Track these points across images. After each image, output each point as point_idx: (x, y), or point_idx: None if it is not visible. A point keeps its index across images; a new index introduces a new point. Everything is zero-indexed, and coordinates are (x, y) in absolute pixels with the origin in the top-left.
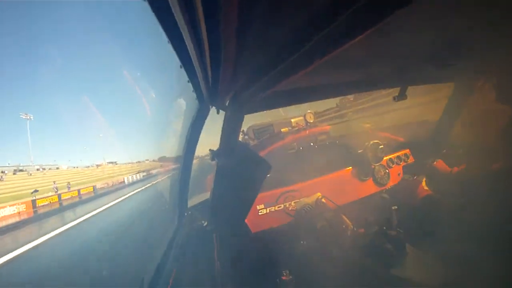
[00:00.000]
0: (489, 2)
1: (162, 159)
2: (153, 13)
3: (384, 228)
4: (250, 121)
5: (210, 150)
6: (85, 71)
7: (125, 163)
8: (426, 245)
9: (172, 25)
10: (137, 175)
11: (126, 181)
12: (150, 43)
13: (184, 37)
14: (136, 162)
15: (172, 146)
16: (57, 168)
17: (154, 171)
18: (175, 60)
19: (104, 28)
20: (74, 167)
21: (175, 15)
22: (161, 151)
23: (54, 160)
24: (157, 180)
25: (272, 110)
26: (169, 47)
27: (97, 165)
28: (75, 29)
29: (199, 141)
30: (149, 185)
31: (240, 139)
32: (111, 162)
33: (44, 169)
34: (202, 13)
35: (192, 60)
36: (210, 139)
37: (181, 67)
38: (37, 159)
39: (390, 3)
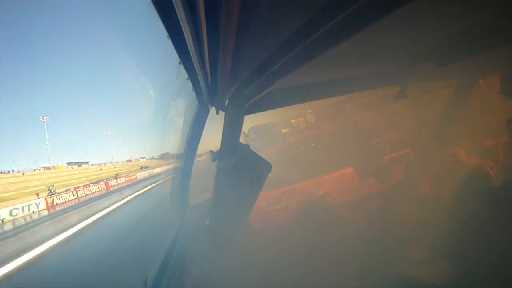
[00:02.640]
0: (489, 1)
1: (162, 157)
2: (154, 7)
3: (387, 225)
4: (251, 122)
5: (211, 151)
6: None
7: (106, 162)
8: (428, 242)
9: (173, 20)
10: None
11: None
12: (149, 36)
13: (184, 33)
14: (126, 161)
15: (171, 146)
16: None
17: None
18: (174, 56)
19: (102, 20)
20: None
21: (176, 10)
22: (159, 150)
23: None
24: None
25: (273, 112)
26: (169, 42)
27: (45, 168)
28: (69, 20)
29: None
30: None
31: (241, 140)
32: (73, 163)
33: None
34: (203, 8)
35: (191, 56)
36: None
37: (180, 63)
38: None
39: (390, 1)
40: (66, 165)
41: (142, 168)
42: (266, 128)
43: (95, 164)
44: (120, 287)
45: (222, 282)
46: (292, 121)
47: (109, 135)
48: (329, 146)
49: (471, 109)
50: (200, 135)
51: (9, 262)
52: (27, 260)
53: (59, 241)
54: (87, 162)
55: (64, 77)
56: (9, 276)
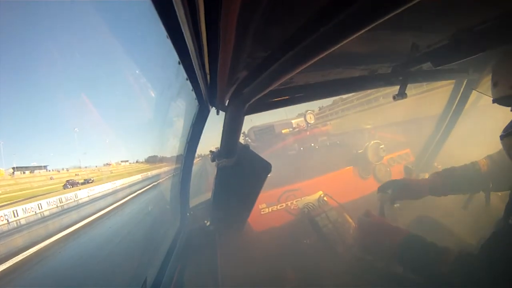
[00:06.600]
0: (489, 1)
1: (150, 160)
2: (153, 7)
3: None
4: (251, 122)
5: (210, 151)
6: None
7: (70, 167)
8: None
9: (173, 19)
10: None
11: None
12: (149, 36)
13: (184, 33)
14: (105, 165)
15: (166, 147)
16: None
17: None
18: (174, 56)
19: (102, 20)
20: None
21: (176, 10)
22: (147, 153)
23: None
24: None
25: (273, 112)
26: (168, 42)
27: None
28: (69, 19)
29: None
30: None
31: (241, 140)
32: (22, 168)
33: None
34: (203, 7)
35: (191, 56)
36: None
37: (179, 63)
38: None
39: (390, 1)
40: (12, 170)
41: (68, 185)
42: (266, 129)
43: (54, 170)
44: (120, 287)
45: (222, 283)
46: (292, 121)
47: (77, 132)
48: (328, 146)
49: (470, 110)
50: (200, 135)
51: None
52: None
53: None
54: (45, 167)
55: (54, 73)
56: None
